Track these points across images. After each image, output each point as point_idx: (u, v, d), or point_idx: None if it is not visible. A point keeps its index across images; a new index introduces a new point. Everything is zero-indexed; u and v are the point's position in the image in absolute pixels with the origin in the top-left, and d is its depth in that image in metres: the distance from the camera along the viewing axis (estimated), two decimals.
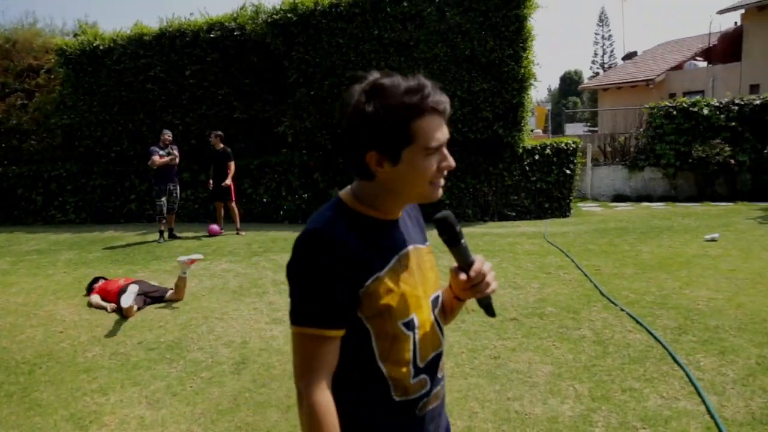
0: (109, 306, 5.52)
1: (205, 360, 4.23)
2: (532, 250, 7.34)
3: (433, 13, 9.93)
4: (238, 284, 6.23)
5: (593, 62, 55.42)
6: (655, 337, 4.06)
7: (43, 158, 12.89)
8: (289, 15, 10.52)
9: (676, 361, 3.66)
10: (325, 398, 1.17)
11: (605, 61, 53.72)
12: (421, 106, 1.17)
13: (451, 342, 4.31)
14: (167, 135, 9.08)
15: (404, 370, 1.25)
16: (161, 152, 8.86)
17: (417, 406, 1.28)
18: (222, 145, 9.34)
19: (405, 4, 9.99)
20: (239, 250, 7.95)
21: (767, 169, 12.17)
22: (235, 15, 11.32)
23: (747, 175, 12.37)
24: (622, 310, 4.71)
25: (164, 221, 8.96)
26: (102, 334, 4.87)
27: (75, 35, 12.98)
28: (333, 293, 1.16)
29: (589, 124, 37.53)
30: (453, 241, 1.30)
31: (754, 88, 16.65)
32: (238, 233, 9.23)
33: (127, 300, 5.20)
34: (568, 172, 10.96)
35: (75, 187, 12.22)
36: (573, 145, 11.07)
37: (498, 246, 7.66)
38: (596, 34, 63.08)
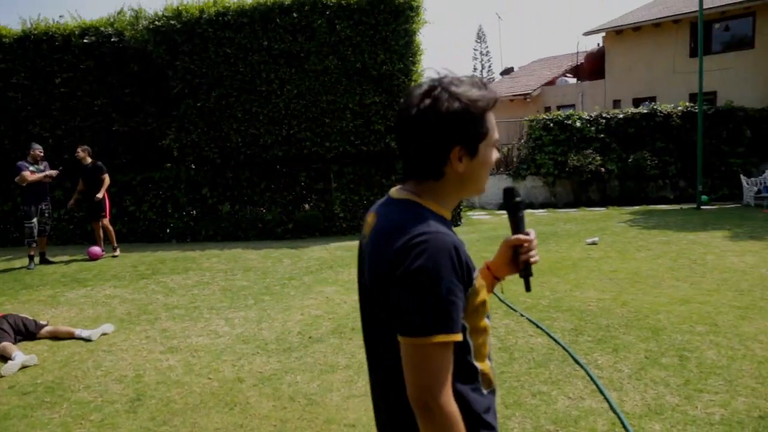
0: None
1: (94, 400, 3.81)
2: None
3: (324, 24, 9.88)
4: (126, 311, 5.74)
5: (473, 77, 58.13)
6: (555, 340, 4.25)
7: None
8: (172, 22, 9.99)
9: (577, 361, 3.85)
10: (455, 407, 1.16)
11: (483, 76, 56.76)
12: (491, 100, 1.24)
13: (359, 359, 4.24)
14: (38, 150, 8.23)
15: (488, 362, 1.30)
16: (31, 168, 8.02)
17: (495, 396, 1.34)
18: (91, 160, 8.64)
19: (295, 15, 9.85)
20: (124, 273, 7.36)
21: (631, 177, 13.39)
22: (112, 20, 10.55)
23: (615, 182, 13.54)
24: (522, 315, 4.89)
25: (34, 245, 8.09)
26: None
27: None
28: (459, 296, 1.16)
29: None
30: (516, 209, 1.45)
31: (616, 103, 18.32)
32: (114, 254, 8.56)
33: None
34: None
35: None
36: None
37: None
38: (474, 50, 66.51)
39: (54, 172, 8.23)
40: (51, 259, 8.37)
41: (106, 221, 8.65)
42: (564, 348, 4.09)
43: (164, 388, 3.94)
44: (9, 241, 10.68)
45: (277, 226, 10.21)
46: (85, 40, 10.36)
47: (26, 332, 5.03)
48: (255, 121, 10.09)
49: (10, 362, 4.40)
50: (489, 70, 57.26)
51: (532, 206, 13.97)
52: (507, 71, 29.34)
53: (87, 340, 4.95)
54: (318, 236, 10.21)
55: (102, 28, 10.42)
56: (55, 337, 5.06)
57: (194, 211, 10.48)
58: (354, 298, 5.83)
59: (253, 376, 4.07)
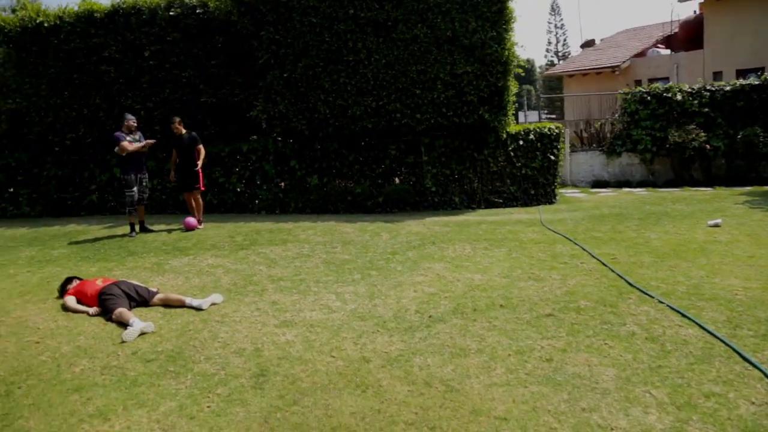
0: (91, 309, 4.89)
1: (217, 372, 3.70)
2: (536, 238, 7.06)
3: None
4: (231, 281, 5.67)
5: (547, 51, 56.14)
6: (714, 335, 3.79)
7: None
8: None
9: (748, 360, 3.38)
10: None
11: (559, 50, 54.52)
12: None
13: (491, 343, 3.93)
14: (131, 120, 8.32)
15: None
16: (128, 138, 8.11)
17: None
18: (185, 131, 8.64)
19: None
20: (222, 243, 7.35)
21: (740, 155, 12.34)
22: None
23: (722, 160, 12.51)
24: (661, 302, 4.44)
25: (134, 213, 8.22)
26: (87, 343, 4.24)
27: (13, 11, 11.84)
28: None
29: (546, 111, 37.92)
30: None
31: (717, 75, 16.96)
32: (198, 226, 8.57)
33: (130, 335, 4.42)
34: (552, 157, 10.76)
35: (27, 177, 11.21)
36: (556, 130, 10.88)
37: (500, 234, 7.34)
38: (549, 23, 63.92)
39: (151, 142, 8.31)
40: (150, 227, 8.49)
41: (197, 194, 8.69)
42: (728, 345, 3.62)
43: (287, 364, 3.77)
44: (108, 209, 11.00)
45: (367, 200, 10.01)
46: (171, 13, 10.37)
47: (139, 299, 5.03)
48: (343, 92, 9.85)
49: (129, 328, 4.36)
50: (564, 44, 54.95)
51: (628, 184, 13.17)
52: (588, 43, 27.87)
53: (198, 309, 4.89)
54: (409, 211, 9.93)
55: (186, 0, 10.39)
56: (167, 304, 5.03)
57: (283, 183, 10.42)
58: (467, 275, 5.52)
59: (379, 356, 3.85)
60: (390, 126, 9.94)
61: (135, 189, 8.12)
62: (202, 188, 8.77)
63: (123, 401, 3.36)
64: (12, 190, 11.28)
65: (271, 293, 5.26)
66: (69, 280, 5.42)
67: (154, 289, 5.22)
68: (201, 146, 8.58)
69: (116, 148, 8.01)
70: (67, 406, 3.33)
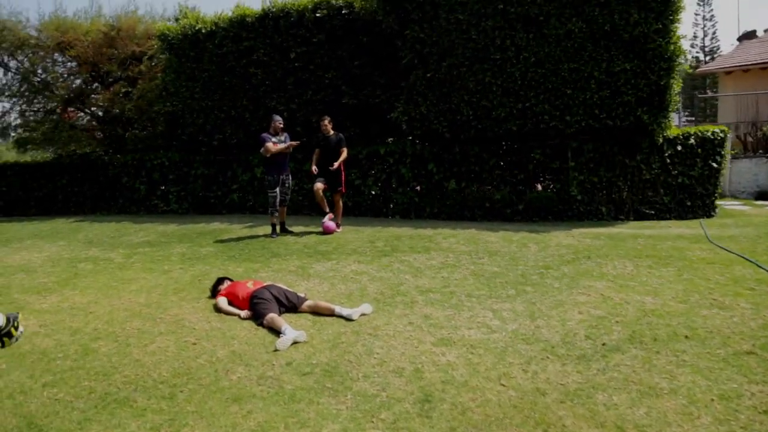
0: (242, 313, 4.84)
1: (378, 394, 3.39)
2: (707, 257, 6.13)
3: None
4: (378, 290, 5.40)
5: (692, 46, 51.50)
6: None
7: (147, 147, 12.71)
8: None
9: None
10: None
11: (707, 44, 49.82)
12: None
13: (684, 382, 3.29)
14: (278, 122, 8.41)
15: None
16: (273, 139, 8.21)
17: None
18: (333, 131, 8.59)
19: None
20: (364, 248, 7.16)
21: None
22: None
23: None
24: None
25: (276, 214, 8.31)
26: (241, 349, 4.14)
27: (176, 20, 12.65)
28: None
29: (686, 112, 34.70)
30: None
31: None
32: (336, 230, 8.41)
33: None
34: (714, 165, 9.50)
35: (177, 176, 11.93)
36: (720, 134, 9.60)
37: (663, 251, 6.48)
38: (696, 14, 58.58)
39: (295, 143, 8.35)
40: (290, 228, 8.55)
41: (338, 196, 8.61)
42: None
43: (453, 390, 3.38)
44: (247, 208, 11.38)
45: (506, 207, 9.43)
46: (317, 14, 10.47)
47: (288, 304, 4.90)
48: (488, 92, 9.35)
49: (283, 337, 4.20)
50: (713, 38, 50.12)
51: None
52: (747, 35, 24.93)
53: (347, 319, 4.65)
54: (552, 220, 9.22)
55: (333, 1, 10.44)
56: (315, 312, 4.85)
57: (419, 187, 10.13)
58: (636, 298, 4.83)
59: (555, 388, 3.34)
60: (536, 129, 9.28)
61: (277, 190, 8.19)
62: (343, 190, 8.68)
63: (283, 418, 3.14)
64: (164, 188, 12.05)
65: (422, 306, 4.91)
66: (221, 280, 5.45)
67: (302, 295, 5.07)
68: (346, 149, 8.50)
69: (261, 149, 8.13)
70: (229, 417, 3.17)
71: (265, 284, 5.15)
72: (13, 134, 15.19)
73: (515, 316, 4.56)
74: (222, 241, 8.12)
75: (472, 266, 6.10)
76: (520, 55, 9.13)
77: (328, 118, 8.63)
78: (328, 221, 8.37)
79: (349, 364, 3.80)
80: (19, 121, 14.82)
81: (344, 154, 8.45)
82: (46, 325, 4.77)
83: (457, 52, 9.45)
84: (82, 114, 14.65)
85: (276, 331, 4.38)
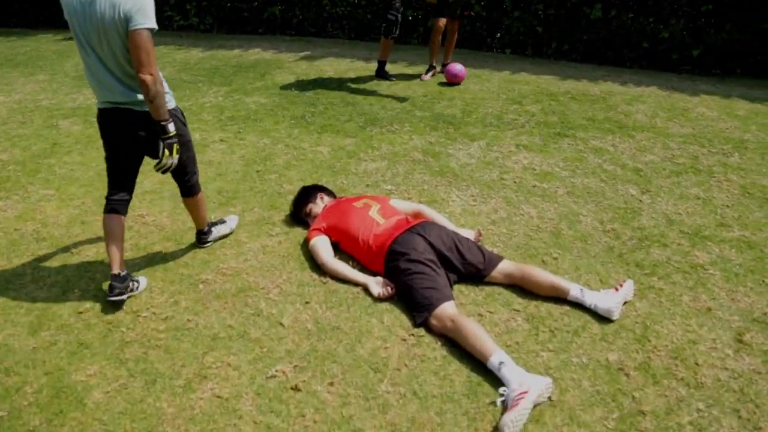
0: (371, 283, 2.46)
1: None
2: None
3: None
4: (598, 222, 2.91)
5: None
6: None
7: None
8: None
9: None
10: None
11: None
12: None
13: None
14: None
15: None
16: None
17: None
18: None
19: None
20: (513, 115, 4.46)
21: None
22: None
23: None
24: None
25: (392, 42, 5.33)
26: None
27: None
28: None
29: None
30: None
31: None
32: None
33: None
34: None
35: None
36: None
37: None
38: None
39: None
40: (389, 72, 5.69)
41: (458, 24, 5.64)
42: None
43: None
44: (293, 27, 8.37)
45: (674, 50, 6.45)
46: None
47: (466, 268, 2.47)
48: None
49: (511, 395, 1.84)
50: None
51: None
52: None
53: (604, 316, 2.26)
54: (740, 74, 6.30)
55: None
56: (522, 286, 2.47)
57: (543, 11, 7.02)
58: None
59: None
60: None
61: (401, 5, 5.05)
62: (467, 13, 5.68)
63: None
64: None
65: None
66: (311, 191, 2.94)
67: (479, 241, 2.63)
68: None
69: None
70: None
71: (406, 214, 2.67)
72: None
73: None
74: (275, 86, 5.39)
75: (735, 175, 3.49)
76: None
77: None
78: (455, 65, 5.46)
79: None
80: None
81: None
82: None
83: None
84: None
85: (467, 353, 2.01)
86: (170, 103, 2.25)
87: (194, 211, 2.62)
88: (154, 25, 2.05)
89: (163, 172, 2.28)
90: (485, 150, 3.76)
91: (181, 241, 2.84)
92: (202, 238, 2.72)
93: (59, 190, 3.43)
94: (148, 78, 2.04)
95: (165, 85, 2.20)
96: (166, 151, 2.19)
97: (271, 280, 2.51)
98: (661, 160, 3.65)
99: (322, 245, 2.59)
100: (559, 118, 4.33)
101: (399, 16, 4.96)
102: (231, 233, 2.85)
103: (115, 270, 2.30)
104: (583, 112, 4.52)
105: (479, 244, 2.58)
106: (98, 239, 2.85)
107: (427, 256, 2.34)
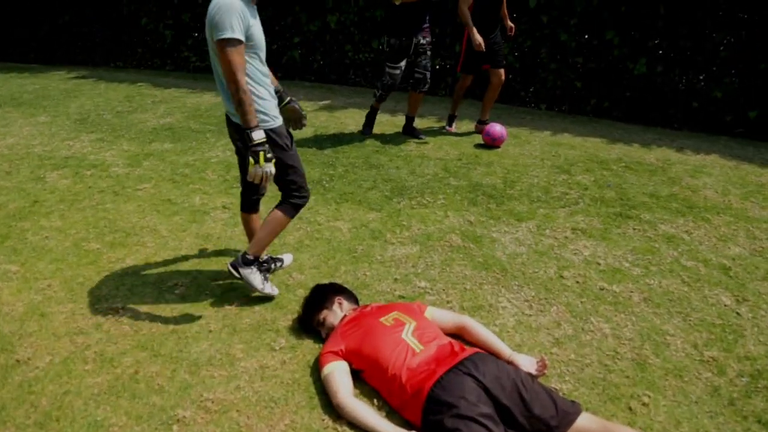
0: None
1: None
2: None
3: None
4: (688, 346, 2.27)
5: None
6: None
7: None
8: None
9: None
10: None
11: None
12: None
13: None
14: None
15: None
16: None
17: None
18: None
19: None
20: (563, 189, 3.86)
21: None
22: None
23: None
24: None
25: (384, 99, 4.90)
26: None
27: None
28: None
29: None
30: None
31: None
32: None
33: None
34: None
35: None
36: None
37: None
38: None
39: None
40: (418, 129, 5.17)
41: (501, 73, 5.09)
42: None
43: None
44: (313, 72, 7.95)
45: (727, 112, 5.88)
46: None
47: (532, 425, 1.81)
48: None
49: None
50: None
51: None
52: None
53: None
54: None
55: None
56: None
57: (582, 64, 6.52)
58: None
59: None
60: None
61: (403, 64, 4.65)
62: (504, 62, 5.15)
63: None
64: (196, 34, 8.54)
65: None
66: (325, 295, 2.34)
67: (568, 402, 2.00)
68: None
69: None
70: None
71: (446, 330, 2.05)
72: None
73: None
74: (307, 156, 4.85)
75: None
76: None
77: None
78: (494, 125, 4.84)
79: None
80: None
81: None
82: None
83: None
84: None
85: None
86: (270, 122, 2.31)
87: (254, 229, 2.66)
88: (229, 35, 2.11)
89: (256, 184, 2.27)
90: (536, 235, 3.14)
91: (158, 352, 2.23)
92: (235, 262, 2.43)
93: (24, 266, 2.87)
94: (231, 87, 2.16)
95: (264, 105, 2.30)
96: (251, 159, 2.17)
97: (269, 424, 1.88)
98: (750, 255, 3.01)
99: (340, 378, 1.97)
100: (617, 194, 3.72)
101: (427, 73, 4.54)
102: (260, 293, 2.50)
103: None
104: (643, 186, 3.90)
105: (543, 383, 1.94)
106: (56, 339, 2.26)
107: (482, 410, 1.71)
